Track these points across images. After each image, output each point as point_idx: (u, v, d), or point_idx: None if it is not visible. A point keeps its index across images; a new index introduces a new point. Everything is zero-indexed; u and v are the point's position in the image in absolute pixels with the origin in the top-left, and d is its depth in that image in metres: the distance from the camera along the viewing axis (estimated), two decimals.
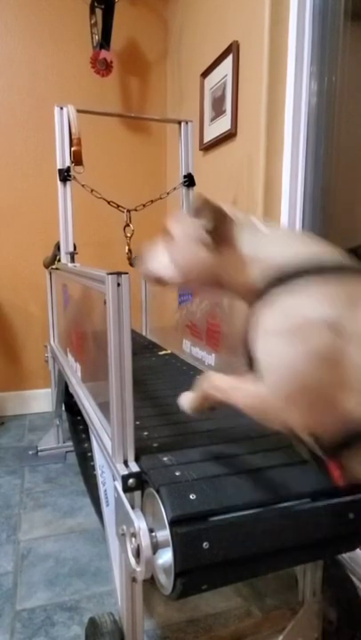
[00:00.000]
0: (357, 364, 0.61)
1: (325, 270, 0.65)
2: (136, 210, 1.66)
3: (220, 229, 0.71)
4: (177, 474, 0.80)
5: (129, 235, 1.62)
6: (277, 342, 0.65)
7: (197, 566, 0.70)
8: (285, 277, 0.66)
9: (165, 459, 0.86)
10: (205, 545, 0.69)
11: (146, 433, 0.97)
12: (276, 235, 0.75)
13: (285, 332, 0.64)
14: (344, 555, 1.12)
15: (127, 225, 1.63)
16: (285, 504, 0.77)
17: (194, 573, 0.70)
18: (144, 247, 0.87)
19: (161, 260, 0.82)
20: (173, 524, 0.69)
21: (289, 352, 0.63)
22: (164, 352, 1.70)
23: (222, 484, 0.78)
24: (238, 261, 0.72)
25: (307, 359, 0.62)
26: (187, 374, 1.43)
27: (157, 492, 0.75)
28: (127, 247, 1.61)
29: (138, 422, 0.98)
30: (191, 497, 0.73)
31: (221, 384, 0.74)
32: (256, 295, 0.69)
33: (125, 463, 0.85)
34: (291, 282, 0.65)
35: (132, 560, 0.75)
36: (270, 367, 0.66)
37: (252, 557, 0.74)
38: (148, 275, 0.87)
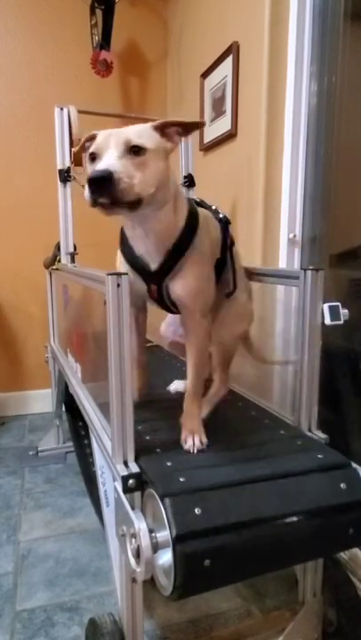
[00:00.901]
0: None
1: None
2: None
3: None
4: (168, 463, 0.82)
5: None
6: None
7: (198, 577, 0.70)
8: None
9: (158, 450, 0.88)
10: (207, 562, 0.70)
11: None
12: None
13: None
14: (344, 555, 1.12)
15: None
16: (286, 520, 0.77)
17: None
18: (99, 171, 0.77)
19: (141, 179, 0.82)
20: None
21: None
22: (150, 344, 1.72)
23: (222, 496, 0.78)
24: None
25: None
26: (168, 363, 1.58)
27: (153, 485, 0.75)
28: None
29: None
30: (197, 511, 0.74)
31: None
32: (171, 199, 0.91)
33: (125, 464, 0.86)
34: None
35: (133, 560, 0.75)
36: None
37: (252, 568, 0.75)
38: (128, 198, 0.80)
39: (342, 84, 1.37)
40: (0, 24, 2.31)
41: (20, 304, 2.54)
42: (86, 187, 0.79)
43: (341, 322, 1.00)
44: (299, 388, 1.05)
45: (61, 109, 1.69)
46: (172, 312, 1.05)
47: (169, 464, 0.85)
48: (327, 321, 1.00)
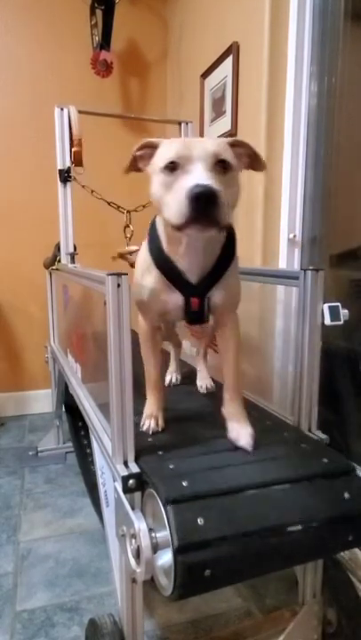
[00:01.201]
0: None
1: None
2: (136, 210, 1.65)
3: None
4: (171, 466, 0.81)
5: (129, 235, 1.61)
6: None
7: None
8: None
9: (157, 448, 0.87)
10: (207, 573, 0.70)
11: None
12: None
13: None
14: (344, 556, 1.12)
15: (127, 226, 1.62)
16: (288, 529, 0.77)
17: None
18: (206, 187, 0.69)
19: (230, 199, 0.76)
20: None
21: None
22: None
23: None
24: None
25: None
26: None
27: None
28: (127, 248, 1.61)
29: None
30: (200, 522, 0.73)
31: None
32: None
33: (125, 464, 0.85)
34: None
35: (133, 561, 0.75)
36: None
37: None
38: (225, 221, 0.73)
39: (342, 84, 1.37)
40: (0, 24, 2.31)
41: (20, 304, 2.54)
42: (182, 202, 0.71)
43: (341, 322, 1.00)
44: (299, 389, 1.05)
45: (61, 109, 1.69)
46: (195, 323, 0.99)
47: (171, 467, 0.84)
48: (327, 321, 1.00)
